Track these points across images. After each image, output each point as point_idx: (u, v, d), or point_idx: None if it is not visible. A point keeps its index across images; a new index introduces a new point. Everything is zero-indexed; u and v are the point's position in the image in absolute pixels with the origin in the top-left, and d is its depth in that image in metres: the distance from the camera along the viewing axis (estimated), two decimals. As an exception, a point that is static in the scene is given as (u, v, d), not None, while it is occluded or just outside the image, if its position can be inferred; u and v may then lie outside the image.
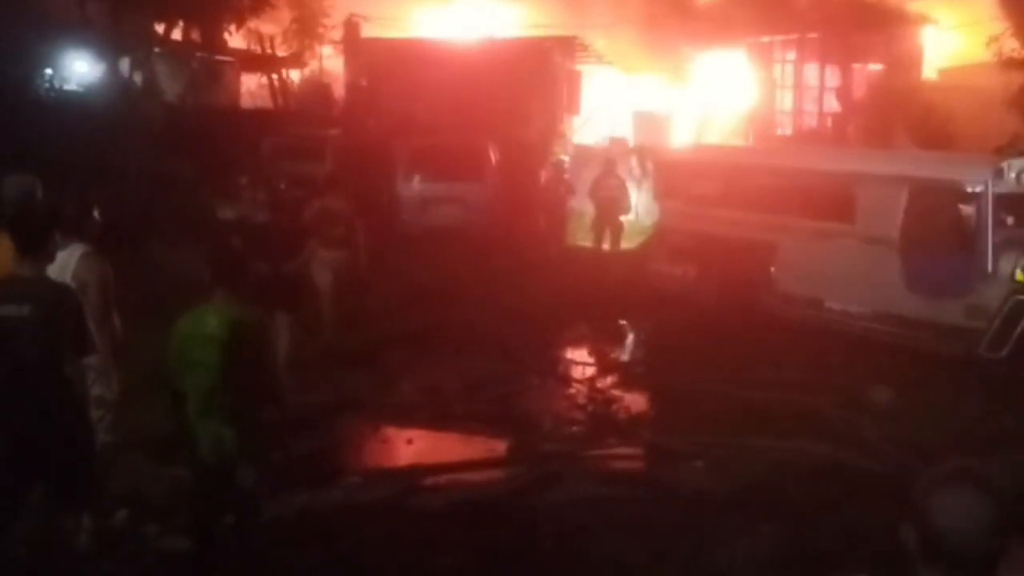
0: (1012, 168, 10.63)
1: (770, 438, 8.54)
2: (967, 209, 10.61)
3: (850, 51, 26.77)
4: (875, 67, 27.24)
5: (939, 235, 10.77)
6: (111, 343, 6.21)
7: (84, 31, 20.79)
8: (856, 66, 27.42)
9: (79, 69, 22.59)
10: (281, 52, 29.32)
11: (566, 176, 19.50)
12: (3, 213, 5.96)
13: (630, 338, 12.84)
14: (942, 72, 26.81)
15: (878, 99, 25.65)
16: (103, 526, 6.08)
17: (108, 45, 20.74)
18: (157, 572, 6.03)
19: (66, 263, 5.96)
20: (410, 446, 8.67)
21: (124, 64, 20.85)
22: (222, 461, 5.27)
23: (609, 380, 10.77)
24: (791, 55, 28.76)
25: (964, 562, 2.41)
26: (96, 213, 6.45)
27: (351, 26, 26.48)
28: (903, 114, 23.70)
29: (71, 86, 22.09)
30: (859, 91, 27.23)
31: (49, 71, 21.32)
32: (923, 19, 26.49)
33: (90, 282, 6.09)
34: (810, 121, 28.43)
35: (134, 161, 18.25)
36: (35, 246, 5.23)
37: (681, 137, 24.60)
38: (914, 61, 26.88)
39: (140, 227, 14.45)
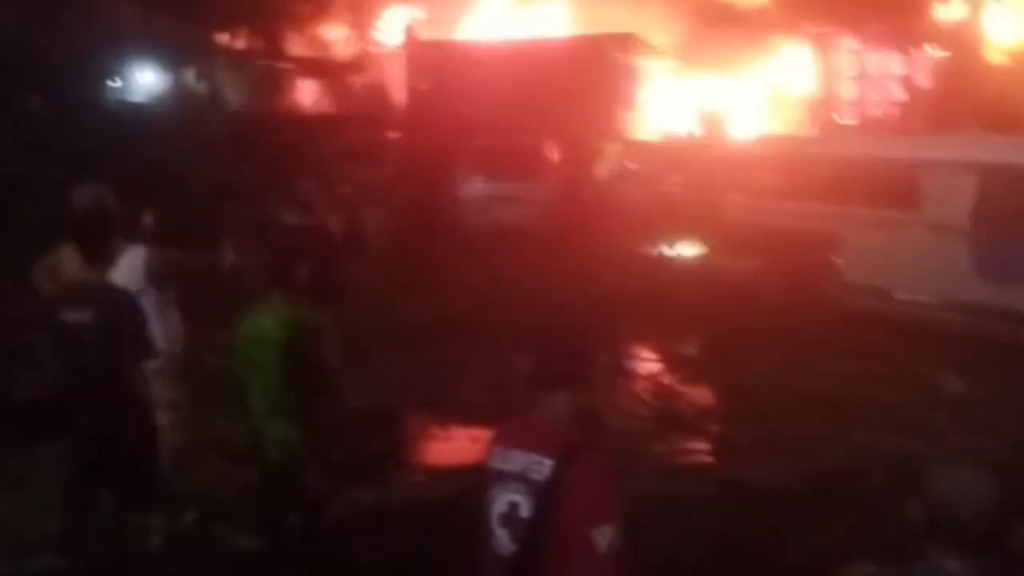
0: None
1: (839, 429, 8.44)
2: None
3: (914, 38, 26.35)
4: (940, 53, 26.76)
5: (1008, 220, 10.57)
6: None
7: (149, 43, 21.11)
8: (920, 53, 26.98)
9: (144, 80, 22.94)
10: (341, 57, 29.54)
11: (627, 174, 19.43)
12: (72, 221, 6.07)
13: (696, 333, 12.73)
14: (1010, 54, 26.23)
15: (944, 85, 25.22)
16: (172, 526, 6.17)
17: (172, 56, 21.06)
18: (226, 571, 6.09)
19: (133, 265, 6.08)
20: (475, 444, 8.66)
21: (188, 74, 21.16)
22: (288, 460, 5.31)
23: (675, 375, 10.71)
24: (854, 44, 28.40)
25: (965, 538, 2.45)
26: (147, 217, 6.54)
27: (410, 30, 26.60)
28: (970, 99, 23.27)
29: (137, 97, 22.45)
30: (924, 78, 26.78)
31: (115, 83, 21.68)
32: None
33: (160, 272, 6.24)
34: (875, 110, 28.04)
35: (198, 170, 18.47)
36: (98, 252, 5.33)
37: (745, 130, 24.35)
38: (980, 44, 26.35)
39: (206, 233, 14.60)
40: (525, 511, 3.03)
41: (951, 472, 2.48)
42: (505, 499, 3.10)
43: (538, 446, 3.06)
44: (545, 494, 2.98)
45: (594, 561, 2.89)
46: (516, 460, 3.10)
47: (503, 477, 3.13)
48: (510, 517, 3.08)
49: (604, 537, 2.89)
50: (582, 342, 3.16)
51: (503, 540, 3.10)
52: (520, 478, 3.06)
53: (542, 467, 3.01)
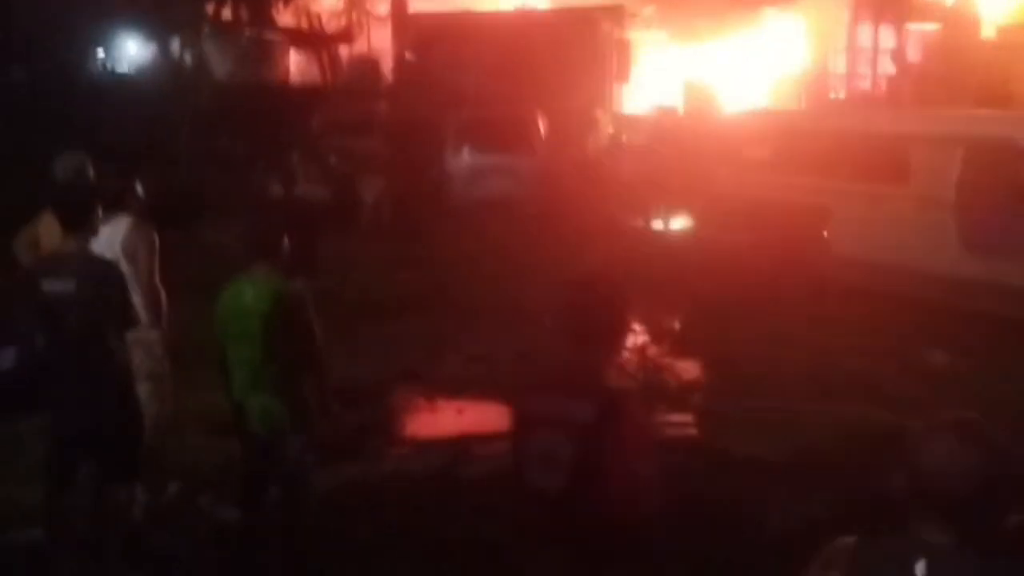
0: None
1: (825, 402, 8.44)
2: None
3: (905, 11, 26.25)
4: (931, 27, 26.68)
5: (995, 194, 10.56)
6: (157, 308, 6.31)
7: (135, 12, 20.96)
8: (911, 26, 26.88)
9: (130, 50, 22.79)
10: (329, 28, 29.37)
11: (617, 146, 19.38)
12: (52, 191, 6.02)
13: (684, 306, 12.71)
14: (1001, 29, 26.17)
15: (934, 60, 25.15)
16: (155, 499, 6.14)
17: (158, 26, 20.91)
18: (209, 543, 6.07)
19: (113, 236, 6.03)
20: (460, 416, 8.66)
21: (174, 44, 21.01)
22: (270, 432, 5.30)
23: (663, 348, 10.70)
24: (844, 17, 28.28)
25: (949, 508, 2.42)
26: (139, 187, 6.50)
27: (398, 0, 26.45)
28: (960, 75, 23.22)
29: (123, 67, 22.30)
30: (915, 52, 26.70)
31: (101, 53, 21.53)
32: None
33: (140, 248, 6.19)
34: (864, 84, 27.96)
35: (185, 140, 18.38)
36: (78, 221, 5.28)
37: (733, 103, 24.29)
38: (972, 19, 26.27)
39: (191, 206, 14.57)
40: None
41: (934, 442, 2.47)
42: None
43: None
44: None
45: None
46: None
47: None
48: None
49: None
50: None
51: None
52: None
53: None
